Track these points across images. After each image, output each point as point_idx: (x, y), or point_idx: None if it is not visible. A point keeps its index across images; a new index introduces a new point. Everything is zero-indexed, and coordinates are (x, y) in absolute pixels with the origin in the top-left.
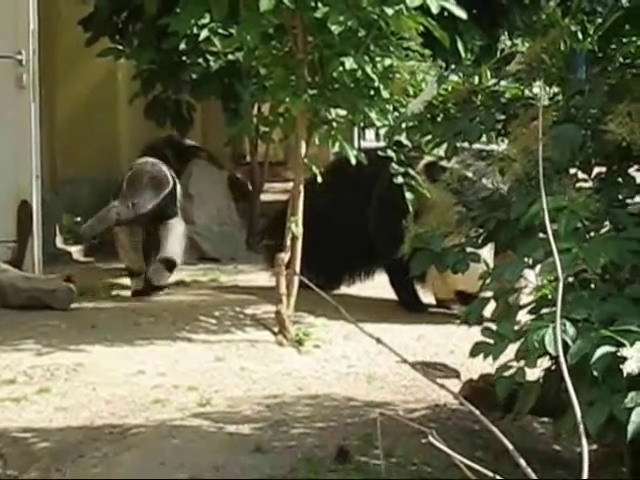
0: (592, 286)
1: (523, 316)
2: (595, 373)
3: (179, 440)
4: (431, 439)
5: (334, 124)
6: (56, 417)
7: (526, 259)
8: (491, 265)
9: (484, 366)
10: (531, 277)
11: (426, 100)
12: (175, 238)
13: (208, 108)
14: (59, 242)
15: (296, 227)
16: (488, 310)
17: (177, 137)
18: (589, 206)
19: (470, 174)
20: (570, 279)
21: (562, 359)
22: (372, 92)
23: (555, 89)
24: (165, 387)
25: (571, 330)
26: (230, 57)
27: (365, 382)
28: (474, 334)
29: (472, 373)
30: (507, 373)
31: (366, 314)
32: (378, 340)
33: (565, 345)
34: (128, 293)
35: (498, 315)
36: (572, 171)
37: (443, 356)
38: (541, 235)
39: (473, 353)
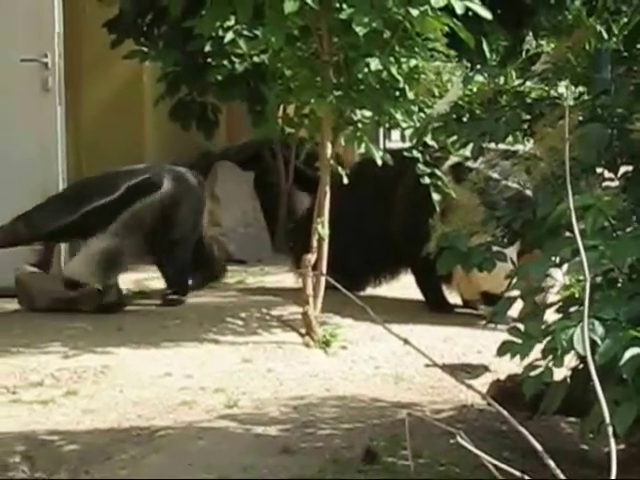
0: (619, 285)
1: (550, 315)
2: (624, 376)
3: (206, 442)
4: (459, 439)
5: (359, 125)
6: (83, 419)
7: (553, 258)
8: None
9: (511, 367)
10: (558, 276)
11: (452, 101)
12: (84, 256)
13: (233, 110)
14: None
15: (322, 228)
16: (515, 310)
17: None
18: (616, 205)
19: (495, 174)
20: (597, 278)
21: (590, 358)
22: (397, 93)
23: (581, 89)
24: (192, 389)
25: (599, 329)
26: (255, 59)
27: (392, 383)
28: (501, 335)
29: (499, 374)
30: (534, 373)
31: (393, 315)
32: (405, 341)
33: (593, 344)
34: (155, 295)
35: (525, 314)
36: (598, 170)
37: (470, 357)
38: (568, 234)
39: (500, 352)
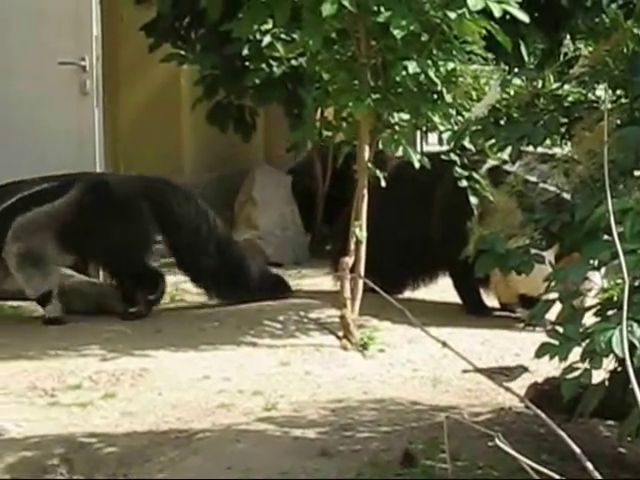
0: None
1: (589, 319)
2: None
3: (245, 445)
4: (497, 442)
5: (397, 128)
6: (122, 422)
7: (591, 261)
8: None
9: (549, 370)
10: (596, 279)
11: (489, 104)
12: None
13: (271, 113)
14: None
15: (360, 231)
16: (553, 313)
17: None
18: None
19: (533, 178)
20: (636, 282)
21: (628, 360)
22: (435, 96)
23: (618, 92)
24: (230, 392)
25: (638, 332)
26: (293, 62)
27: (430, 386)
28: (539, 338)
29: (537, 376)
30: (573, 375)
31: (430, 318)
32: (444, 344)
33: (632, 346)
34: (193, 298)
35: (563, 317)
36: (637, 173)
37: (508, 359)
38: (606, 237)
39: (539, 354)
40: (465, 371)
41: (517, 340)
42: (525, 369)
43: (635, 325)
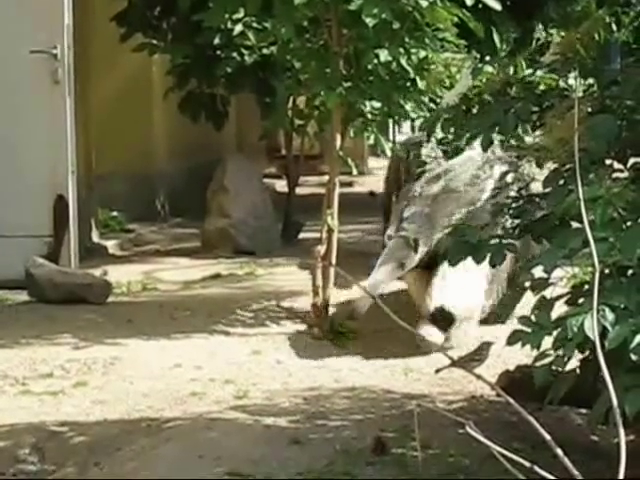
0: (630, 274)
1: (559, 307)
2: (634, 357)
3: (216, 433)
4: (468, 430)
5: (369, 116)
6: (93, 411)
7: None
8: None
9: (521, 358)
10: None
11: (461, 92)
12: None
13: (243, 102)
14: (95, 236)
15: (332, 220)
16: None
17: None
18: (625, 196)
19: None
20: (606, 269)
21: (598, 344)
22: (407, 84)
23: (590, 80)
24: (202, 380)
25: (610, 316)
26: (265, 51)
27: (402, 374)
28: (509, 328)
29: (509, 365)
30: (545, 362)
31: (403, 307)
32: (413, 332)
33: (604, 331)
34: (165, 287)
35: (535, 305)
36: (607, 162)
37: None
38: (577, 225)
39: (510, 342)
40: (438, 370)
41: (490, 329)
42: (489, 344)
43: (607, 309)
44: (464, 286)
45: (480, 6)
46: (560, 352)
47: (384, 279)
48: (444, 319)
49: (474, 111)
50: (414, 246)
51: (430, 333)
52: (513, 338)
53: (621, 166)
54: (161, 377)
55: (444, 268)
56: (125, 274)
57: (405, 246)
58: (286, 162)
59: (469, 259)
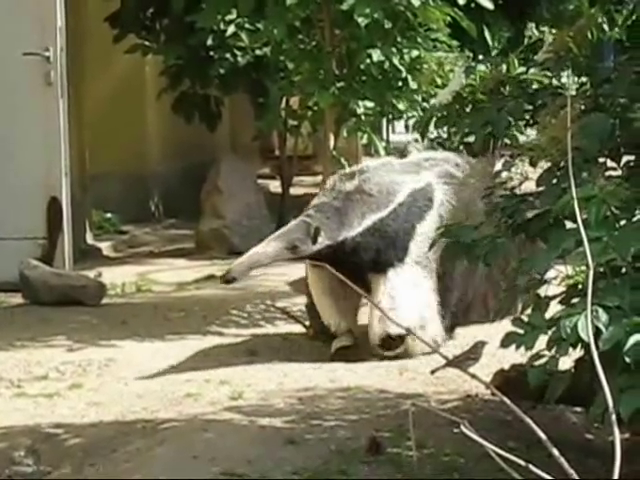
0: (623, 274)
1: (554, 307)
2: (627, 360)
3: (211, 434)
4: (463, 429)
5: (362, 116)
6: (88, 412)
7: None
8: None
9: (516, 357)
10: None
11: (454, 91)
12: None
13: (236, 102)
14: (89, 238)
15: None
16: None
17: None
18: (619, 195)
19: None
20: (600, 269)
21: (593, 345)
22: (400, 83)
23: (583, 78)
24: (197, 381)
25: (603, 316)
26: (258, 52)
27: (397, 374)
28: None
29: (503, 364)
30: (539, 362)
31: None
32: (408, 330)
33: (598, 332)
34: (159, 289)
35: (524, 305)
36: (601, 160)
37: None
38: (571, 225)
39: (504, 343)
40: (433, 371)
41: (483, 329)
42: (484, 343)
43: (600, 310)
44: (408, 300)
45: (473, 5)
46: (554, 352)
47: (269, 254)
48: (394, 341)
49: (467, 110)
50: (313, 234)
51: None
52: (507, 340)
53: (614, 164)
54: (156, 378)
55: (382, 290)
56: (119, 275)
57: (303, 230)
58: (280, 162)
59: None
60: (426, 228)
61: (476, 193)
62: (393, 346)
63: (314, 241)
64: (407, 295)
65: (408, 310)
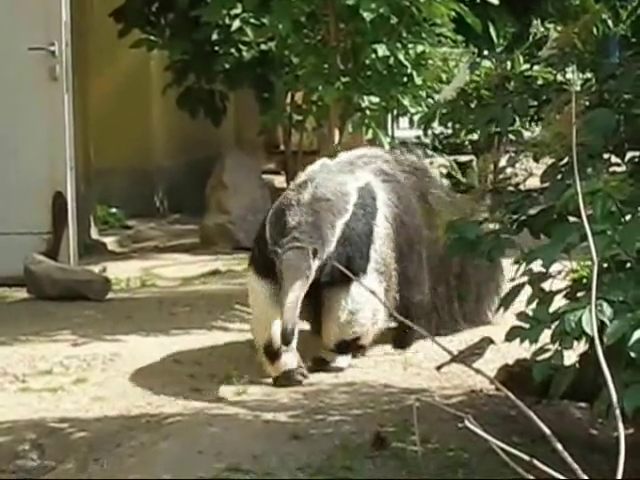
0: (628, 266)
1: (558, 301)
2: (632, 355)
3: (216, 429)
4: (467, 424)
5: (367, 112)
6: (93, 407)
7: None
8: None
9: (520, 352)
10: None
11: (458, 86)
12: None
13: (241, 97)
14: (94, 233)
15: None
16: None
17: None
18: (623, 190)
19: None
20: (605, 263)
21: (597, 340)
22: (405, 79)
23: (588, 74)
24: (201, 376)
25: (608, 310)
26: (262, 47)
27: (401, 369)
28: (507, 321)
29: (508, 359)
30: (544, 357)
31: None
32: (412, 325)
33: (602, 326)
34: (164, 283)
35: (533, 300)
36: (605, 155)
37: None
38: (575, 219)
39: (509, 338)
40: (439, 367)
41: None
42: (491, 340)
43: (605, 304)
44: (367, 307)
45: (478, 1)
46: (558, 347)
47: (299, 296)
48: (351, 343)
49: (472, 106)
50: (313, 257)
51: (337, 360)
52: (511, 335)
53: (619, 160)
54: (160, 373)
55: (342, 305)
56: (124, 270)
57: (304, 257)
58: (285, 158)
59: None
60: (381, 230)
61: (410, 191)
62: (347, 350)
63: (314, 264)
64: (366, 304)
65: (365, 316)
